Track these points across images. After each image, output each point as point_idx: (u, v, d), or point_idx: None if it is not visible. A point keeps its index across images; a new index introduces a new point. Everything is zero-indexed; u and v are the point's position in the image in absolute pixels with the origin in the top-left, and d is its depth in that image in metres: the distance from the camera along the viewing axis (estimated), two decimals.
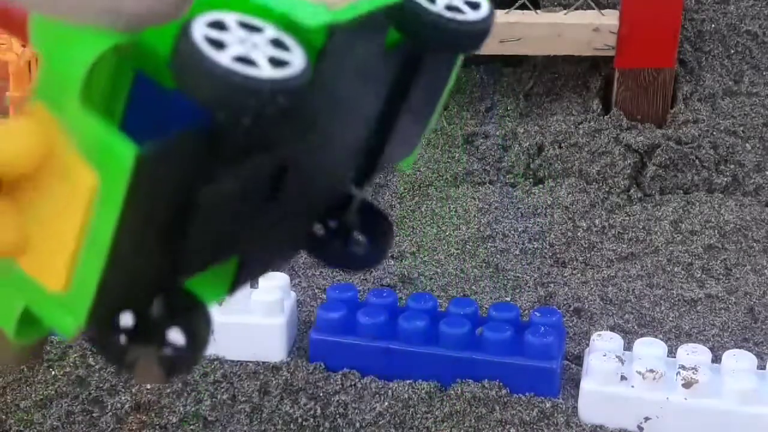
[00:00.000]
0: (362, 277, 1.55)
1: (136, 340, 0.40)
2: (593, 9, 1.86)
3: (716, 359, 1.31)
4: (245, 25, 0.38)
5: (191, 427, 1.29)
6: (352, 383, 1.32)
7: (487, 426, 1.28)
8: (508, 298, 1.52)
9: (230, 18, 0.37)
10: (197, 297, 0.42)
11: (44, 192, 0.36)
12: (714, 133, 1.82)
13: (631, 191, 1.76)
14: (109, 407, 1.30)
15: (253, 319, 1.35)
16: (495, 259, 1.61)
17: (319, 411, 1.29)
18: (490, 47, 1.85)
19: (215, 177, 0.38)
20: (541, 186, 1.78)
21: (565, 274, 1.59)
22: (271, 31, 0.38)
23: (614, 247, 1.65)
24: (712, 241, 1.65)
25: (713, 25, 1.95)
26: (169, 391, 1.31)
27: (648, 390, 1.26)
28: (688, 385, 1.25)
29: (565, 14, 1.86)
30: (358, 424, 1.29)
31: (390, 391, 1.31)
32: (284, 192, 0.40)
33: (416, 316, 1.33)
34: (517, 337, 1.31)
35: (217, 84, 0.35)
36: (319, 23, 0.38)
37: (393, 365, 1.32)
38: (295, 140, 0.40)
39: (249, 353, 1.35)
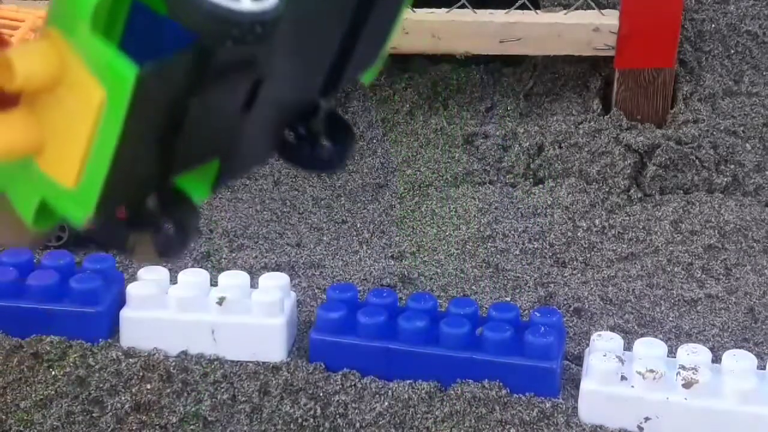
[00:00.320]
0: (362, 278, 1.55)
1: (135, 229, 0.47)
2: (593, 9, 1.86)
3: (716, 359, 1.31)
4: None
5: (191, 427, 1.29)
6: (352, 383, 1.32)
7: (487, 426, 1.28)
8: (508, 298, 1.52)
9: None
10: (185, 193, 0.49)
11: (59, 104, 0.44)
12: (714, 133, 1.82)
13: (631, 191, 1.76)
14: (109, 407, 1.30)
15: (253, 319, 1.35)
16: (495, 259, 1.61)
17: (319, 411, 1.29)
18: (490, 47, 1.86)
19: (202, 91, 0.45)
20: (541, 186, 1.78)
21: (565, 274, 1.59)
22: None
23: (614, 247, 1.65)
24: (712, 241, 1.65)
25: (713, 25, 1.94)
26: (169, 391, 1.31)
27: (648, 390, 1.26)
28: (688, 385, 1.25)
29: (565, 14, 1.86)
30: (358, 424, 1.29)
31: (390, 391, 1.31)
32: (259, 103, 0.47)
33: (416, 316, 1.33)
34: (517, 337, 1.31)
35: (204, 16, 0.42)
36: None
37: (393, 365, 1.32)
38: (269, 60, 0.47)
39: (249, 353, 1.35)
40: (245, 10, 0.43)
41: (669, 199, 1.75)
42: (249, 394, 1.31)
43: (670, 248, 1.64)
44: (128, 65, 0.43)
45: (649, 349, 1.30)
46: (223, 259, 1.58)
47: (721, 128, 1.83)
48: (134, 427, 1.29)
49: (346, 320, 1.34)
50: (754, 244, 1.66)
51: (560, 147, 1.81)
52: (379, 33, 0.57)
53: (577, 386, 1.30)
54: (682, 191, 1.77)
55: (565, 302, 1.51)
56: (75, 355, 1.34)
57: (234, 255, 1.59)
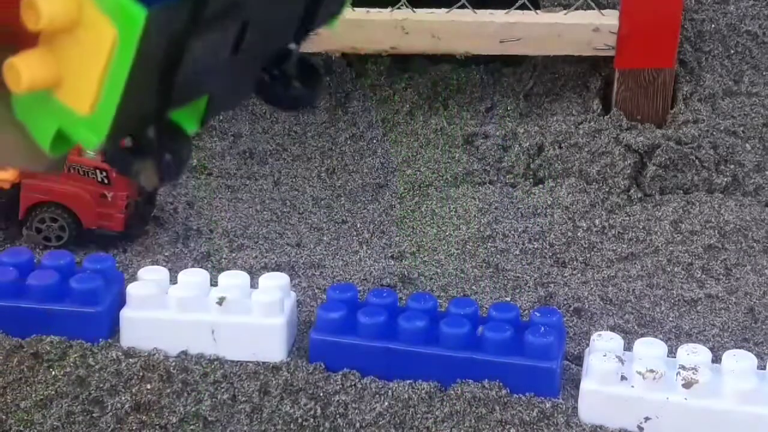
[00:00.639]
0: (362, 278, 1.55)
1: (139, 155, 0.55)
2: (593, 9, 1.86)
3: (716, 359, 1.31)
4: None
5: (191, 427, 1.29)
6: (352, 383, 1.32)
7: (487, 426, 1.28)
8: (508, 298, 1.52)
9: None
10: (179, 126, 0.55)
11: (75, 42, 0.50)
12: (714, 133, 1.82)
13: (631, 191, 1.76)
14: (109, 407, 1.30)
15: (253, 319, 1.35)
16: (495, 259, 1.61)
17: (319, 411, 1.29)
18: (490, 47, 1.86)
19: (199, 33, 0.51)
20: (541, 186, 1.78)
21: (565, 274, 1.59)
22: None
23: (614, 248, 1.65)
24: (712, 241, 1.65)
25: (713, 25, 1.94)
26: (169, 391, 1.31)
27: (648, 390, 1.26)
28: (688, 385, 1.25)
29: (565, 14, 1.86)
30: (358, 424, 1.29)
31: (390, 391, 1.31)
32: (244, 46, 0.54)
33: (416, 316, 1.33)
34: (517, 337, 1.31)
35: None
36: None
37: (393, 365, 1.32)
38: (254, 7, 0.53)
39: (249, 353, 1.35)
40: None
41: (669, 199, 1.75)
42: (249, 394, 1.31)
43: (670, 248, 1.64)
44: (138, 8, 0.49)
45: (649, 349, 1.30)
46: (223, 259, 1.58)
47: (721, 128, 1.83)
48: (134, 427, 1.29)
49: (346, 320, 1.34)
50: (754, 244, 1.66)
51: (560, 147, 1.81)
52: None
53: (577, 386, 1.30)
54: (682, 191, 1.77)
55: (565, 302, 1.51)
56: (75, 355, 1.34)
57: (234, 255, 1.59)
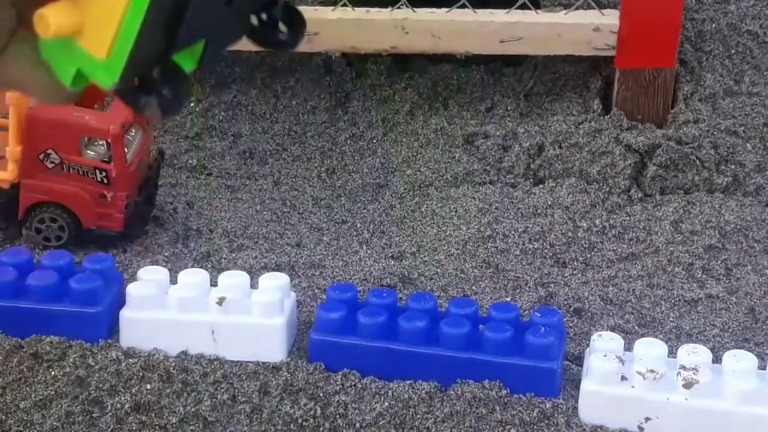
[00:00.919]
0: (362, 278, 1.55)
1: (144, 93, 0.64)
2: (593, 9, 1.86)
3: (717, 359, 1.31)
4: None
5: (191, 427, 1.29)
6: (352, 383, 1.32)
7: (488, 426, 1.28)
8: (508, 298, 1.52)
9: None
10: (179, 66, 0.65)
11: None
12: (714, 133, 1.82)
13: (632, 191, 1.76)
14: (109, 407, 1.30)
15: (253, 319, 1.35)
16: (495, 259, 1.61)
17: (319, 411, 1.29)
18: (490, 47, 1.86)
19: None
20: (541, 186, 1.78)
21: (566, 275, 1.59)
22: None
23: (615, 248, 1.65)
24: (712, 242, 1.65)
25: (714, 25, 1.94)
26: (169, 391, 1.31)
27: (648, 390, 1.26)
28: (688, 385, 1.25)
29: (565, 14, 1.86)
30: (358, 425, 1.28)
31: (390, 391, 1.31)
32: None
33: (416, 316, 1.33)
34: (517, 337, 1.31)
35: None
36: None
37: (393, 365, 1.32)
38: None
39: (249, 353, 1.35)
40: None
41: (669, 199, 1.75)
42: (249, 394, 1.31)
43: (671, 248, 1.64)
44: None
45: (650, 349, 1.30)
46: (223, 259, 1.58)
47: (722, 128, 1.82)
48: (134, 427, 1.29)
49: (346, 320, 1.34)
50: (755, 244, 1.66)
51: (560, 147, 1.81)
52: None
53: (577, 386, 1.30)
54: (682, 191, 1.77)
55: (566, 302, 1.51)
56: (75, 356, 1.34)
57: (234, 255, 1.59)
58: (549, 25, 1.84)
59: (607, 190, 1.76)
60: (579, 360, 1.39)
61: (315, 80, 1.93)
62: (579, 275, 1.59)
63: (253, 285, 1.40)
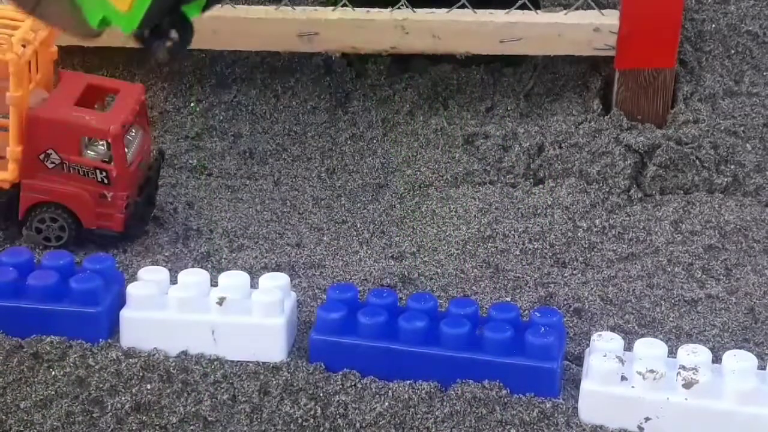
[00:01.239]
0: (362, 278, 1.55)
1: (157, 39, 0.80)
2: (593, 9, 1.86)
3: (716, 359, 1.31)
4: None
5: (191, 427, 1.29)
6: (352, 383, 1.32)
7: (488, 426, 1.28)
8: (508, 298, 1.52)
9: None
10: (185, 15, 0.80)
11: None
12: (714, 133, 1.82)
13: (632, 191, 1.76)
14: (109, 407, 1.30)
15: (253, 319, 1.35)
16: (495, 259, 1.61)
17: (319, 411, 1.29)
18: (490, 47, 1.86)
19: None
20: (541, 186, 1.78)
21: (566, 275, 1.59)
22: None
23: (614, 248, 1.65)
24: (712, 242, 1.65)
25: (714, 25, 1.94)
26: (169, 391, 1.31)
27: (648, 390, 1.26)
28: (688, 385, 1.25)
29: (565, 14, 1.86)
30: (358, 425, 1.29)
31: (390, 391, 1.31)
32: None
33: (416, 316, 1.33)
34: (517, 337, 1.31)
35: None
36: None
37: (393, 365, 1.32)
38: None
39: (249, 353, 1.35)
40: None
41: (669, 199, 1.75)
42: (249, 394, 1.31)
43: (671, 248, 1.64)
44: None
45: (650, 349, 1.30)
46: (223, 259, 1.58)
47: (722, 128, 1.83)
48: (134, 427, 1.29)
49: (346, 320, 1.34)
50: (755, 245, 1.66)
51: (560, 147, 1.81)
52: None
53: (577, 386, 1.30)
54: (682, 191, 1.77)
55: (565, 302, 1.51)
56: (75, 355, 1.34)
57: (234, 255, 1.59)
58: (549, 25, 1.84)
59: (607, 190, 1.76)
60: (579, 360, 1.39)
61: (315, 80, 1.93)
62: (579, 275, 1.59)
63: (253, 285, 1.40)
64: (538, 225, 1.68)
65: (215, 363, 1.34)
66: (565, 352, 1.38)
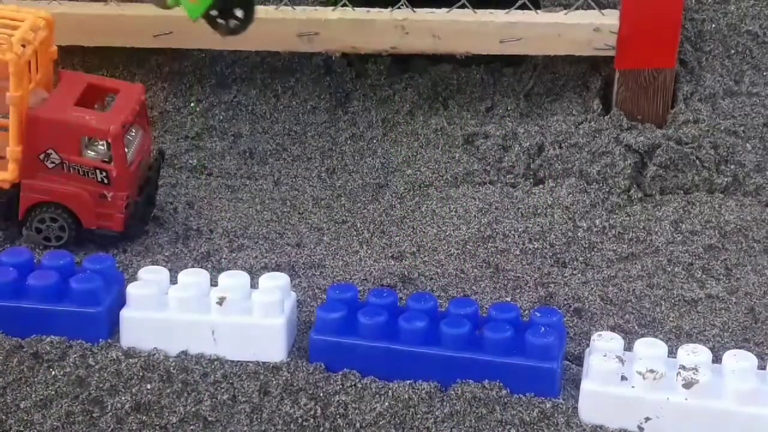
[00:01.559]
0: (362, 278, 1.55)
1: (223, 18, 1.11)
2: (593, 9, 1.86)
3: (717, 359, 1.31)
4: None
5: (191, 427, 1.29)
6: (352, 383, 1.32)
7: (488, 426, 1.28)
8: (508, 298, 1.52)
9: None
10: None
11: None
12: (714, 133, 1.82)
13: (632, 191, 1.76)
14: (109, 407, 1.30)
15: (253, 319, 1.35)
16: (495, 259, 1.61)
17: (319, 411, 1.29)
18: (490, 47, 1.86)
19: None
20: (541, 186, 1.78)
21: (566, 274, 1.59)
22: None
23: (615, 248, 1.65)
24: (712, 242, 1.65)
25: (714, 25, 1.94)
26: (169, 391, 1.31)
27: (648, 390, 1.26)
28: (688, 385, 1.25)
29: (565, 14, 1.86)
30: (358, 425, 1.29)
31: (390, 391, 1.31)
32: None
33: (416, 316, 1.33)
34: (517, 337, 1.31)
35: None
36: None
37: (393, 365, 1.32)
38: None
39: (249, 353, 1.35)
40: None
41: (669, 199, 1.75)
42: (249, 394, 1.31)
43: (671, 248, 1.64)
44: None
45: (650, 349, 1.30)
46: (223, 259, 1.58)
47: (722, 128, 1.83)
48: (134, 427, 1.29)
49: (346, 320, 1.34)
50: (755, 244, 1.66)
51: (560, 147, 1.81)
52: None
53: (577, 386, 1.30)
54: (682, 191, 1.77)
55: (566, 302, 1.51)
56: (75, 355, 1.34)
57: (234, 255, 1.59)
58: (549, 25, 1.84)
59: (607, 190, 1.76)
60: (579, 360, 1.39)
61: (315, 80, 1.93)
62: (579, 275, 1.59)
63: (253, 285, 1.40)
64: (538, 225, 1.68)
65: (215, 363, 1.34)
66: (565, 352, 1.38)
